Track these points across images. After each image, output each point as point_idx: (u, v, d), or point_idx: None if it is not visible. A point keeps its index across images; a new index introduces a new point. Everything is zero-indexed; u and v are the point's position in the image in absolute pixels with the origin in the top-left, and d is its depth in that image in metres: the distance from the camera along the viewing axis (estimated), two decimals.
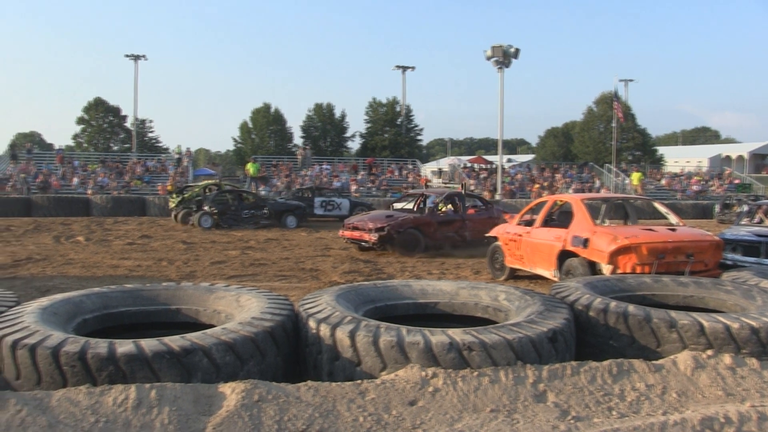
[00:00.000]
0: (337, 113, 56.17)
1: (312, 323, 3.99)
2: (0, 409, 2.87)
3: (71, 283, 9.25)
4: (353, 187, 33.36)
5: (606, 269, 7.65)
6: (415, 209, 15.48)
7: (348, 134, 56.84)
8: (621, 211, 10.67)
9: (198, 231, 19.09)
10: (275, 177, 35.23)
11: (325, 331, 3.86)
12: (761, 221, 11.68)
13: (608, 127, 52.81)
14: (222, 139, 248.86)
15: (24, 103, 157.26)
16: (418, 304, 5.04)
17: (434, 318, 5.03)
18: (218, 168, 46.28)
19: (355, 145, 57.95)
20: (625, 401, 3.39)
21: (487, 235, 11.32)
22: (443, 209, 15.04)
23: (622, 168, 42.85)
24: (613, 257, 7.56)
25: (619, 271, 7.49)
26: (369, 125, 55.66)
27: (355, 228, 14.01)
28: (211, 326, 4.34)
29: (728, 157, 73.19)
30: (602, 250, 7.72)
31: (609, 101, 50.24)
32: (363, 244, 13.69)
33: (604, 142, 54.33)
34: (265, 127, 53.60)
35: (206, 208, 20.21)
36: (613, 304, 4.51)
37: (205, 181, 26.10)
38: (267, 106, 54.36)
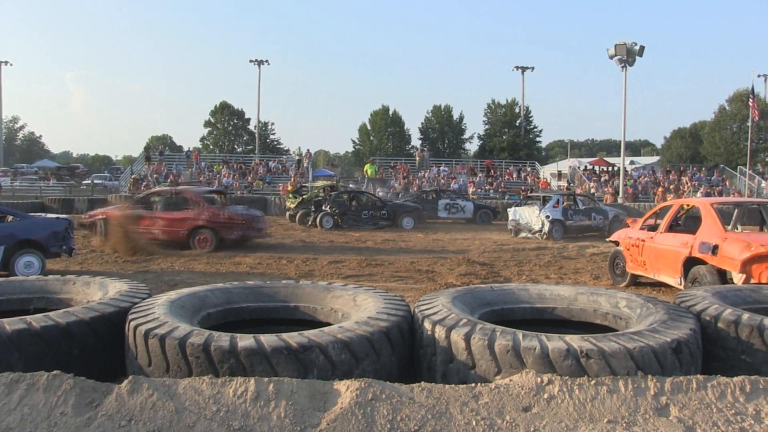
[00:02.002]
0: (455, 115, 56.24)
1: (427, 324, 4.00)
2: (135, 392, 3.11)
3: (197, 278, 9.82)
4: (470, 189, 33.16)
5: (738, 278, 7.17)
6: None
7: (466, 136, 56.79)
8: (756, 216, 9.96)
9: (317, 231, 19.67)
10: (393, 178, 35.67)
11: (440, 333, 3.87)
12: None
13: (743, 126, 49.31)
14: (341, 141, 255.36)
15: (158, 108, 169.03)
16: (535, 308, 4.94)
17: (551, 323, 4.91)
18: (337, 169, 47.56)
19: (473, 146, 57.67)
20: (762, 423, 3.15)
21: (608, 239, 10.90)
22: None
23: (758, 170, 39.82)
24: (747, 266, 7.08)
25: (753, 281, 6.99)
26: (487, 127, 55.25)
27: None
28: (328, 324, 4.46)
29: None
30: (734, 257, 7.25)
31: (744, 99, 46.85)
32: None
33: (737, 142, 50.75)
34: (384, 129, 54.50)
35: (327, 208, 20.79)
36: (746, 315, 4.20)
37: (322, 182, 26.87)
38: (386, 108, 55.29)
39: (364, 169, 35.97)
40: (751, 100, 35.30)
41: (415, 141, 56.03)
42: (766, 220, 9.51)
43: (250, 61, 49.26)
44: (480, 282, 9.59)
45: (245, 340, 3.52)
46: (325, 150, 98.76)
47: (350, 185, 31.85)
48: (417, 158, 40.71)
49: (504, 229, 21.18)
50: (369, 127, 55.82)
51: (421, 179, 35.32)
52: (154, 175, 34.05)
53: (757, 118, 36.55)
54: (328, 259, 12.40)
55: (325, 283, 5.06)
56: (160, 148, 46.29)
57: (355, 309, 4.46)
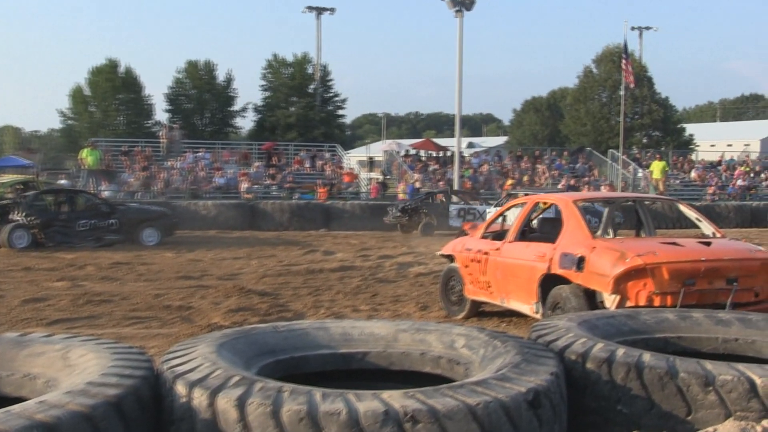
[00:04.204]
0: (220, 76, 55.92)
1: (181, 387, 3.91)
2: None
3: None
4: (243, 185, 33.12)
5: (610, 301, 7.76)
6: None
7: (236, 107, 56.57)
8: (632, 217, 10.91)
9: (2, 252, 18.58)
10: (127, 170, 34.62)
11: (200, 398, 3.79)
12: None
13: (614, 96, 54.08)
14: (43, 114, 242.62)
15: None
16: (339, 355, 5.00)
17: (364, 375, 5.00)
18: (36, 156, 45.21)
19: (246, 123, 57.72)
20: None
21: (439, 253, 11.40)
22: None
23: (633, 155, 43.87)
24: (620, 284, 7.69)
25: (630, 303, 7.60)
26: (268, 95, 55.51)
27: None
28: (21, 400, 4.19)
29: None
30: (604, 273, 7.84)
31: (616, 59, 51.40)
32: None
33: (607, 117, 55.65)
34: (111, 96, 52.70)
35: (21, 217, 19.68)
36: (621, 351, 4.54)
37: (10, 178, 25.48)
38: (113, 64, 53.51)
39: (82, 157, 34.48)
40: (623, 61, 38.18)
41: (161, 114, 54.94)
42: (643, 222, 10.39)
43: None
44: (259, 321, 9.58)
45: None
46: (16, 127, 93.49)
47: (59, 181, 30.30)
48: (163, 140, 39.85)
49: (298, 245, 21.39)
50: (87, 92, 53.70)
51: (169, 171, 34.64)
52: None
53: (632, 85, 40.01)
54: (21, 298, 11.83)
55: (14, 335, 4.77)
56: None
57: (67, 372, 4.25)
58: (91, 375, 3.98)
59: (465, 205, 26.67)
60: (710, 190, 38.30)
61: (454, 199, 27.90)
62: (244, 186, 33.15)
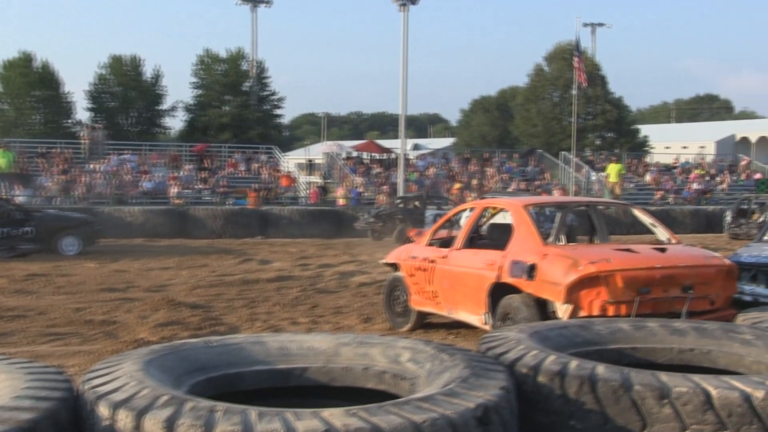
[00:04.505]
0: (148, 72, 55.34)
1: (104, 409, 3.85)
2: None
3: None
4: (173, 190, 32.83)
5: (562, 311, 7.86)
6: None
7: (165, 106, 56.07)
8: (585, 222, 11.03)
9: None
10: (44, 174, 34.09)
11: (125, 420, 3.74)
12: None
13: (566, 96, 54.74)
14: None
15: None
16: (276, 371, 4.98)
17: (303, 392, 4.99)
18: None
19: (176, 123, 57.24)
20: None
21: (383, 261, 11.40)
22: None
23: (586, 157, 44.41)
24: (573, 293, 7.78)
25: (583, 313, 7.70)
26: (199, 93, 55.10)
27: None
28: None
29: (745, 140, 77.07)
30: (556, 282, 7.93)
31: (568, 56, 52.00)
32: None
33: (559, 118, 56.32)
34: (26, 92, 51.87)
35: None
36: (573, 364, 4.59)
37: None
38: (27, 57, 52.59)
39: None
40: (575, 59, 38.68)
41: (82, 113, 54.26)
42: (596, 227, 10.53)
43: None
44: (190, 335, 9.53)
45: None
46: None
47: None
48: (84, 141, 39.33)
49: (232, 254, 21.27)
50: None
51: (91, 174, 34.18)
52: None
53: (585, 84, 40.49)
54: None
55: None
56: None
57: None
58: (1, 398, 3.90)
59: (440, 210, 26.73)
60: (658, 194, 38.86)
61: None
62: (173, 191, 32.88)
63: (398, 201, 29.42)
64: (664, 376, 4.37)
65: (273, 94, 56.46)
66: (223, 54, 54.88)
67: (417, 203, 28.17)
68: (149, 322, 10.81)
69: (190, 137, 50.25)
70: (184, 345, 5.03)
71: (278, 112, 57.66)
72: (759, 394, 4.16)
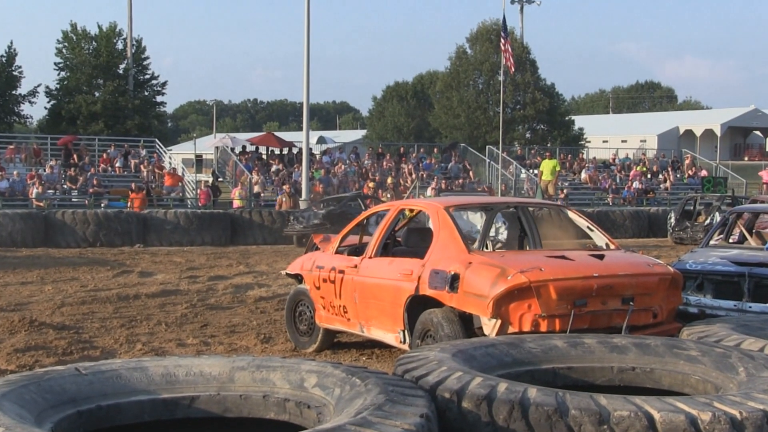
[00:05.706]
0: (0, 50, 54.16)
1: None
2: None
3: None
4: (34, 190, 32.22)
5: (489, 327, 7.92)
6: None
7: (23, 91, 54.97)
8: (513, 225, 11.12)
9: None
10: None
11: None
12: (743, 239, 12.52)
13: (492, 82, 55.23)
14: None
15: None
16: (160, 401, 4.95)
17: (192, 425, 4.96)
18: None
19: (37, 111, 56.29)
20: None
21: (285, 272, 11.38)
22: None
23: (515, 152, 44.81)
24: (501, 306, 7.82)
25: (512, 329, 7.76)
26: (64, 75, 54.17)
27: None
28: None
29: (690, 133, 78.85)
30: (482, 293, 7.97)
31: (494, 38, 52.48)
32: None
33: (484, 108, 56.76)
34: None
35: None
36: (502, 387, 4.64)
37: None
38: None
39: None
40: (502, 40, 38.74)
41: None
42: (527, 231, 10.63)
43: None
44: (56, 362, 9.40)
45: None
46: None
47: None
48: None
49: (107, 265, 20.98)
50: None
51: None
52: None
53: (512, 70, 40.64)
54: None
55: None
56: None
57: None
58: None
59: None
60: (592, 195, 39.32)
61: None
62: (34, 191, 32.21)
63: (351, 198, 28.89)
64: (603, 399, 4.44)
65: (154, 78, 55.87)
66: (93, 30, 54.13)
67: (371, 203, 27.29)
68: (5, 348, 10.55)
69: (54, 128, 49.44)
70: (48, 374, 4.96)
71: (160, 99, 57.17)
72: (706, 417, 4.25)
